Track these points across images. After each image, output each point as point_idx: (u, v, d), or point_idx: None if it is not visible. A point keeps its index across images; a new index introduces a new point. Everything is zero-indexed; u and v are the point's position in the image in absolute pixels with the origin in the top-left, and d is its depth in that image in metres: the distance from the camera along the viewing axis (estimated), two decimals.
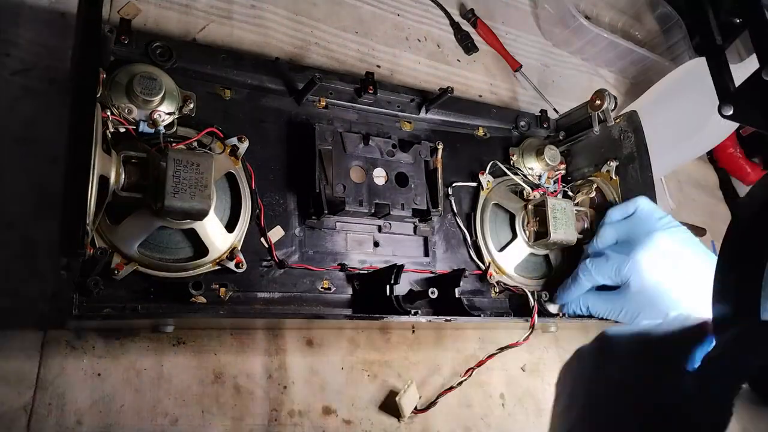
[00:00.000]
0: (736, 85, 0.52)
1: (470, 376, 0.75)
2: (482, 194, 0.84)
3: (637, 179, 0.81)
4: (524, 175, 0.87)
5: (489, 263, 0.81)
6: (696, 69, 0.98)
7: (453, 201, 0.82)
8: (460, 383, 0.75)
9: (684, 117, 0.99)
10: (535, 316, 0.76)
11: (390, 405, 0.73)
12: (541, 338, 0.89)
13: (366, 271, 0.73)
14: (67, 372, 0.59)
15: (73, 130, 0.47)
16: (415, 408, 0.72)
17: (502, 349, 0.76)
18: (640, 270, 0.72)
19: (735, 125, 1.01)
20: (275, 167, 0.72)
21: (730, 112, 0.53)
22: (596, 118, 0.85)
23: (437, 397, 0.74)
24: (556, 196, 0.85)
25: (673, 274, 0.72)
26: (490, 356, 0.77)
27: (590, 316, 0.78)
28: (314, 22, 0.90)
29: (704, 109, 0.95)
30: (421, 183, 0.76)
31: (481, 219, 0.83)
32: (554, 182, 0.88)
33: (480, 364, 0.77)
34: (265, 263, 0.68)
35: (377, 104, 0.80)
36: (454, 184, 0.83)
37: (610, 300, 0.76)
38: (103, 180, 0.53)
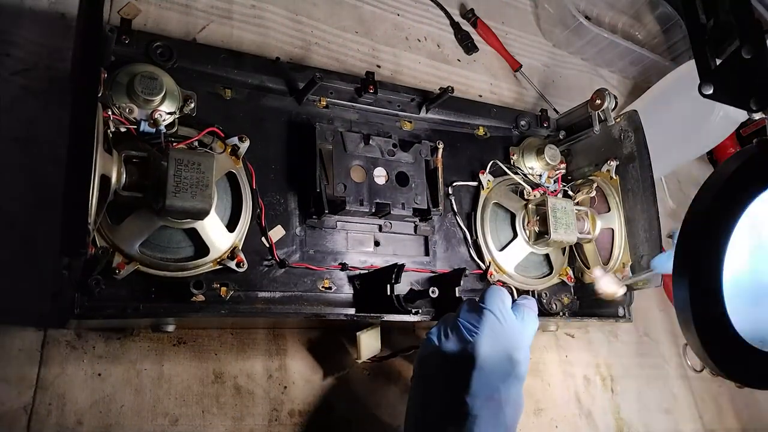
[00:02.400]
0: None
1: None
2: (482, 194, 0.84)
3: (638, 179, 0.81)
4: (524, 175, 0.87)
5: (489, 263, 0.81)
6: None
7: (453, 200, 0.82)
8: None
9: (684, 117, 0.99)
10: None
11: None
12: (540, 338, 0.89)
13: (367, 271, 0.73)
14: (67, 372, 0.59)
15: (74, 130, 0.47)
16: (375, 357, 0.69)
17: None
18: None
19: (735, 125, 1.01)
20: (276, 167, 0.72)
21: (710, 91, 0.53)
22: (596, 118, 0.85)
23: (395, 354, 0.71)
24: (556, 195, 0.85)
25: None
26: None
27: None
28: (314, 22, 0.90)
29: (704, 109, 0.95)
30: (422, 182, 0.76)
31: (482, 218, 0.83)
32: (554, 182, 0.88)
33: None
34: (266, 263, 0.68)
35: (378, 104, 0.80)
36: (454, 184, 0.83)
37: None
38: (105, 179, 0.53)
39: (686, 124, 1.00)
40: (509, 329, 0.61)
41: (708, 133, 0.99)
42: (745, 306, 0.52)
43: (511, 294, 0.70)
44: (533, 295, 0.82)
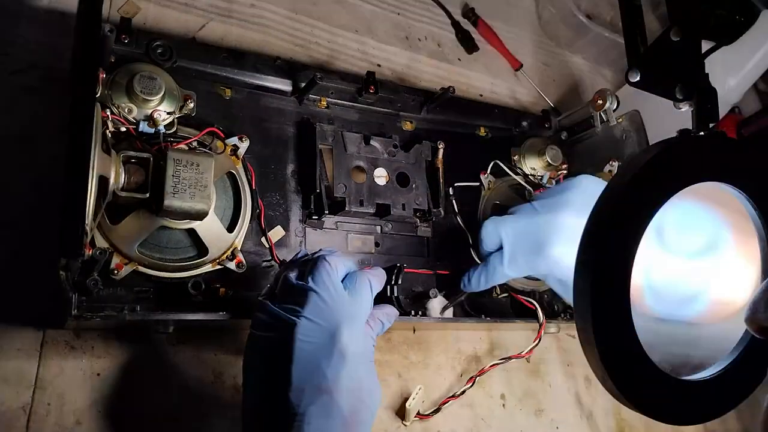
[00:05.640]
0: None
1: (473, 384, 0.75)
2: (484, 194, 0.84)
3: None
4: (526, 175, 0.87)
5: None
6: None
7: (454, 201, 0.82)
8: (464, 392, 0.75)
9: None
10: (542, 331, 0.75)
11: (391, 405, 0.73)
12: (542, 339, 0.88)
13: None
14: (66, 372, 0.58)
15: (72, 130, 0.47)
16: (419, 412, 0.72)
17: (505, 359, 0.77)
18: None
19: (728, 106, 1.00)
20: (276, 167, 0.71)
21: (637, 78, 0.48)
22: (598, 118, 0.85)
23: (441, 404, 0.74)
24: None
25: None
26: (493, 365, 0.77)
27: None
28: (314, 21, 0.90)
29: None
30: (423, 183, 0.76)
31: (483, 219, 0.82)
32: (556, 182, 0.87)
33: (482, 372, 0.77)
34: (265, 263, 0.68)
35: (378, 104, 0.80)
36: (455, 184, 0.82)
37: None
38: (103, 180, 0.53)
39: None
40: (336, 309, 0.52)
41: None
42: (649, 323, 0.47)
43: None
44: (534, 297, 0.82)
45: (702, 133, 0.49)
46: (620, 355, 0.45)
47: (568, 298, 0.73)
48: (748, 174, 0.50)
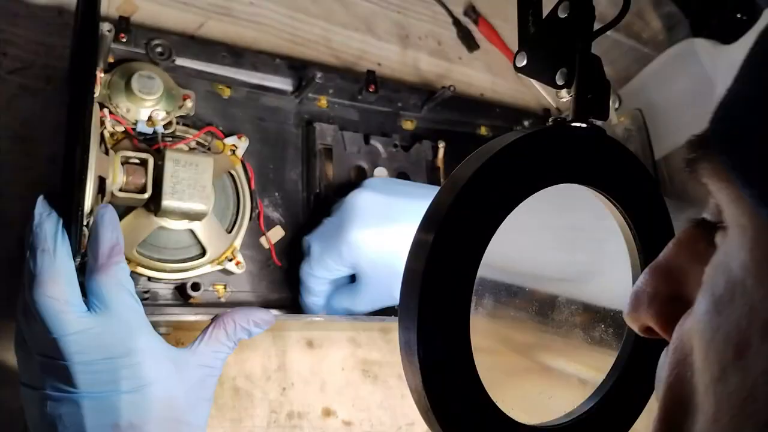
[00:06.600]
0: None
1: None
2: None
3: None
4: None
5: None
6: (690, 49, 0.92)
7: None
8: None
9: (683, 98, 0.96)
10: None
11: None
12: None
13: None
14: None
15: (70, 130, 0.46)
16: None
17: None
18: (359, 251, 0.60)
19: None
20: (275, 166, 0.71)
21: (524, 63, 0.40)
22: None
23: None
24: None
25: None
26: None
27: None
28: (314, 20, 0.89)
29: (703, 90, 0.92)
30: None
31: None
32: None
33: None
34: (265, 264, 0.68)
35: (378, 102, 0.79)
36: None
37: (352, 294, 0.64)
38: (101, 180, 0.53)
39: (686, 105, 0.96)
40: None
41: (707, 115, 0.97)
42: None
43: None
44: None
45: (578, 125, 0.41)
46: (457, 397, 0.34)
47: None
48: (615, 178, 0.42)
